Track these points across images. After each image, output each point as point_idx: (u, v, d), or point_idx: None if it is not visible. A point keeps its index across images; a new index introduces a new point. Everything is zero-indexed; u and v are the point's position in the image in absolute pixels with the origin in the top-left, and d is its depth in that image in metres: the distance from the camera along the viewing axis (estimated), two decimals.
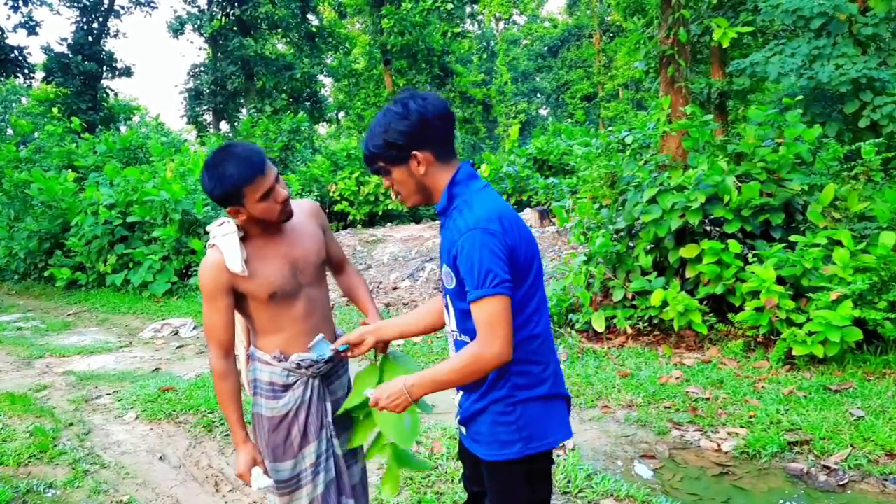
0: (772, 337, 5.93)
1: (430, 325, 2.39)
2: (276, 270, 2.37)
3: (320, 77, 33.72)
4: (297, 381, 2.44)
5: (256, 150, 2.28)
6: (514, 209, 2.06)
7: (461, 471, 2.42)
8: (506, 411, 2.03)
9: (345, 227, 18.44)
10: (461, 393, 2.19)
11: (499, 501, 2.12)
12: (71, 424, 5.41)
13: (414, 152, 2.00)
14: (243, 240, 2.35)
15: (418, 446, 4.47)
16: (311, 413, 2.45)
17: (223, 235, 2.34)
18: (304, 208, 2.54)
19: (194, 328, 9.16)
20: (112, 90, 31.25)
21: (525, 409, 2.04)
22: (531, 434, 2.03)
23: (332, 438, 2.51)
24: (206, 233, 12.12)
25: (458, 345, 2.15)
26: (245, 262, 2.30)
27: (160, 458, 4.66)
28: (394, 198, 2.15)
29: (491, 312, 1.89)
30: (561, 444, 2.14)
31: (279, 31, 31.78)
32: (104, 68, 29.90)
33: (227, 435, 4.94)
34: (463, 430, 2.22)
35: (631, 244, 6.99)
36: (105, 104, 29.68)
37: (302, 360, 2.42)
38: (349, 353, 2.44)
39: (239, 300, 2.38)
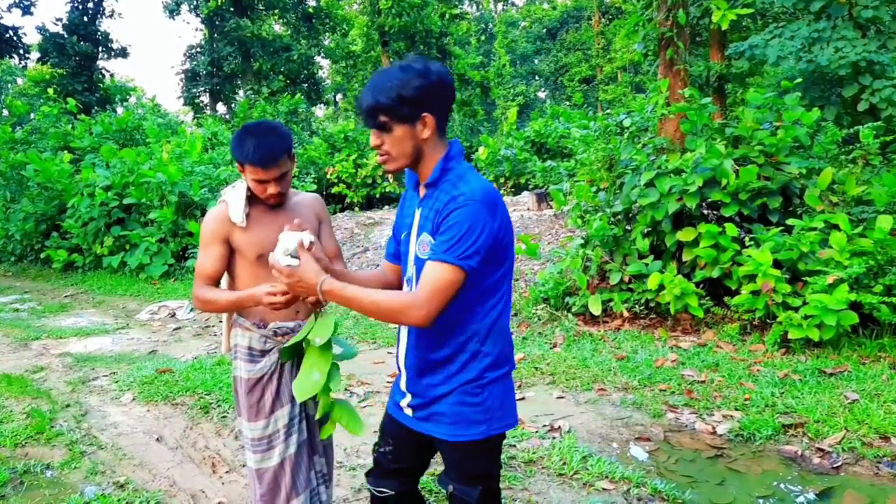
0: (768, 321, 5.94)
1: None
2: (268, 236, 2.51)
3: (318, 59, 33.51)
4: (273, 348, 2.63)
5: (279, 147, 2.47)
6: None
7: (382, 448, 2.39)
8: (474, 393, 2.07)
9: (342, 210, 18.41)
10: (405, 376, 2.20)
11: (461, 477, 2.16)
12: (68, 406, 5.41)
13: (424, 114, 1.99)
14: (250, 201, 2.59)
15: None
16: (285, 378, 2.64)
17: (233, 190, 2.60)
18: (306, 198, 2.79)
19: (191, 310, 9.16)
20: (108, 71, 31.09)
21: (492, 390, 2.09)
22: (494, 416, 2.09)
23: (307, 401, 2.63)
24: (205, 213, 12.18)
25: None
26: (246, 216, 2.55)
27: (157, 439, 4.67)
28: (379, 160, 2.11)
29: (442, 279, 1.91)
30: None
31: (276, 11, 31.55)
32: (100, 49, 29.72)
33: (223, 416, 4.96)
34: (409, 412, 2.21)
35: (628, 228, 6.99)
36: (101, 85, 29.53)
37: (278, 329, 2.63)
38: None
39: (230, 257, 2.61)
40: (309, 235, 2.14)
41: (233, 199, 2.58)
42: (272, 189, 2.52)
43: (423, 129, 2.00)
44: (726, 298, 6.15)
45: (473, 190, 1.95)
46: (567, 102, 38.16)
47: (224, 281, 2.72)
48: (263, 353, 2.63)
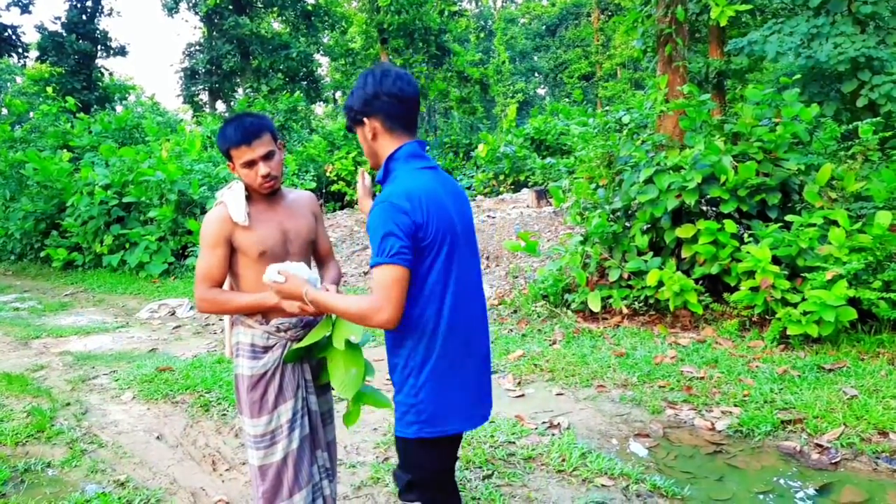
0: (767, 317, 5.95)
1: None
2: (269, 233, 2.61)
3: (316, 56, 33.47)
4: (276, 344, 2.63)
5: (258, 124, 2.56)
6: (440, 191, 2.18)
7: None
8: (412, 393, 2.19)
9: (342, 208, 18.41)
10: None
11: (400, 462, 2.33)
12: (68, 404, 5.42)
13: (365, 119, 2.22)
14: (247, 200, 2.61)
15: None
16: (288, 373, 2.65)
17: (230, 191, 2.61)
18: (302, 195, 2.83)
19: (191, 308, 9.17)
20: (107, 69, 31.05)
21: (428, 392, 2.17)
22: (428, 419, 2.18)
23: (308, 396, 2.70)
24: (204, 212, 12.13)
25: None
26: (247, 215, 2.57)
27: (157, 437, 4.68)
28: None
29: (385, 278, 2.05)
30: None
31: (275, 9, 31.51)
32: (98, 47, 29.68)
33: (223, 414, 4.97)
34: None
35: (627, 224, 6.99)
36: (100, 84, 29.50)
37: (281, 324, 2.62)
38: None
39: (231, 257, 2.61)
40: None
41: (231, 200, 2.58)
42: (263, 169, 2.53)
43: (368, 132, 2.23)
44: (725, 295, 6.15)
45: (390, 192, 2.10)
46: (566, 99, 38.11)
47: (226, 282, 2.73)
48: (266, 349, 2.63)
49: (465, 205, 2.34)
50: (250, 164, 2.53)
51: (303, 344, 2.54)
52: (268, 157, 2.55)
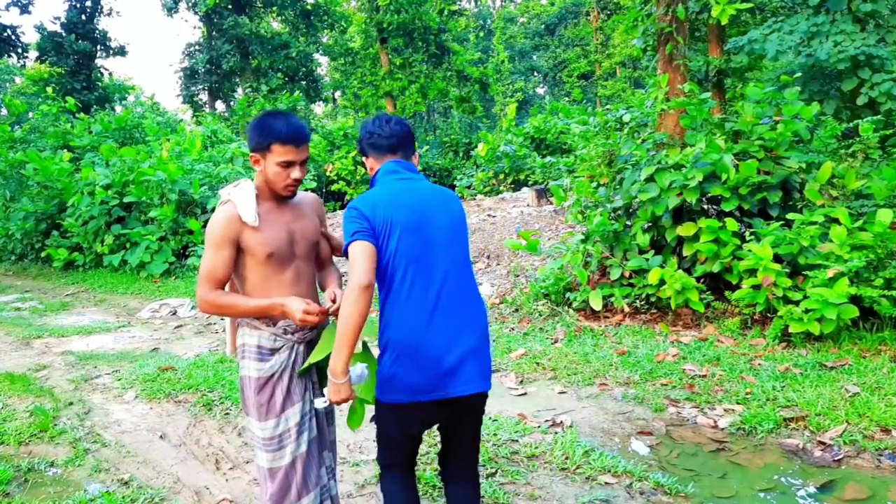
0: (768, 315, 5.96)
1: None
2: (277, 234, 2.59)
3: (316, 56, 33.43)
4: (283, 346, 2.63)
5: (306, 128, 2.63)
6: (402, 194, 2.48)
7: None
8: (379, 361, 2.49)
9: (342, 207, 18.39)
10: None
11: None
12: (71, 404, 5.42)
13: (363, 155, 2.72)
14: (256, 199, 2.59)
15: None
16: (295, 376, 2.65)
17: (236, 188, 2.59)
18: (306, 197, 2.83)
19: (192, 308, 9.17)
20: (106, 69, 31.02)
21: (385, 362, 2.46)
22: (383, 388, 2.48)
23: (315, 399, 2.69)
24: (205, 212, 11.98)
25: None
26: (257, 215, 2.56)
27: (160, 436, 4.69)
28: None
29: (351, 254, 2.39)
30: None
31: (274, 8, 31.48)
32: (98, 47, 29.63)
33: (226, 413, 4.98)
34: None
35: (628, 223, 7.00)
36: (99, 84, 29.45)
37: (288, 326, 2.61)
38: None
39: (237, 259, 2.58)
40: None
41: (241, 199, 2.53)
42: (297, 173, 2.55)
43: (367, 162, 2.70)
44: (727, 293, 6.16)
45: (357, 198, 2.52)
46: (566, 98, 38.11)
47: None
48: (273, 350, 2.61)
49: (442, 204, 2.56)
50: (288, 164, 2.53)
51: (316, 356, 2.55)
52: (304, 163, 2.58)
